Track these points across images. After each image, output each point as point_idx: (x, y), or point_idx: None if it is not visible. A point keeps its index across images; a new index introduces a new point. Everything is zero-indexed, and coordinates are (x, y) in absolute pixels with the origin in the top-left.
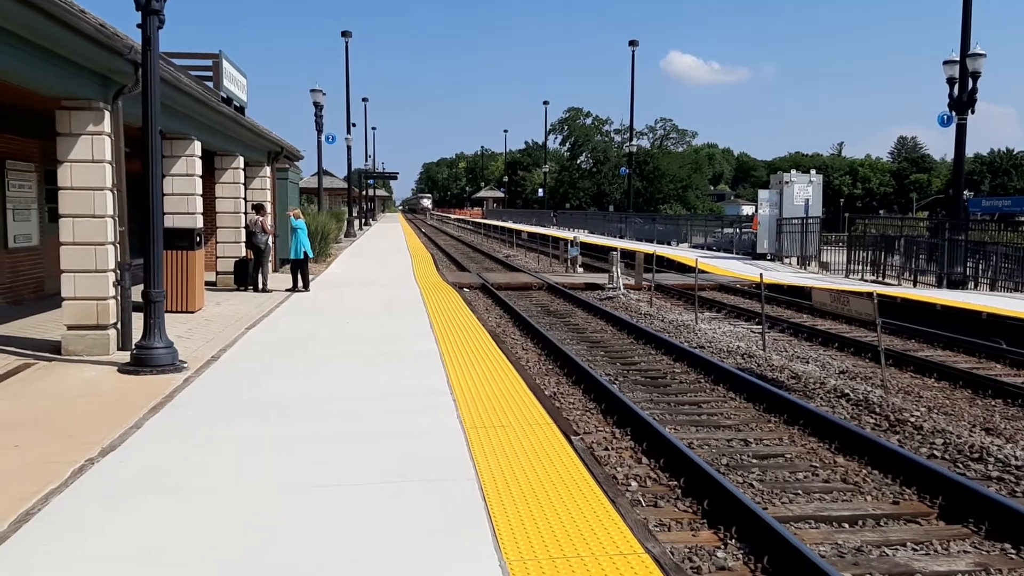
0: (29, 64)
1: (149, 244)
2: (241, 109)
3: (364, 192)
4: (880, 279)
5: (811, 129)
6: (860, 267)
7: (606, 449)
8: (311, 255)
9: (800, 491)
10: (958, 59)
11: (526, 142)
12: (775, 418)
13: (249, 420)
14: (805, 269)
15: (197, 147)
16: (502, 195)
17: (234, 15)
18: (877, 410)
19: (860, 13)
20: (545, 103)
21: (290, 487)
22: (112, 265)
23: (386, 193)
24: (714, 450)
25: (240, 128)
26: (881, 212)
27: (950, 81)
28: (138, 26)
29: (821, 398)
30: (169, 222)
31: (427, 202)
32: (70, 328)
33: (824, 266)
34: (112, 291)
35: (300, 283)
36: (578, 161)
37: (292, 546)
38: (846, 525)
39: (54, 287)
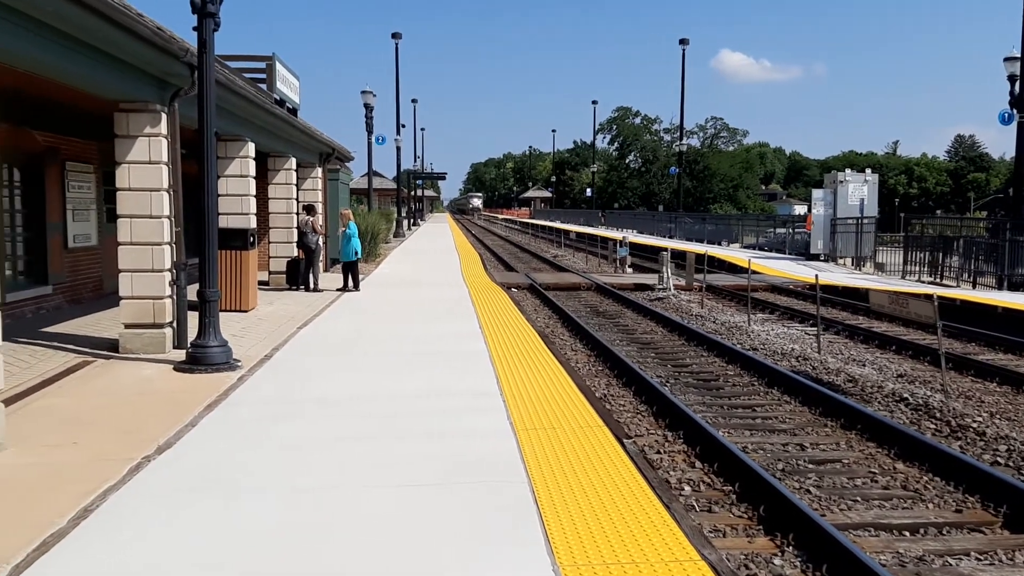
0: (90, 67)
1: (204, 244)
2: (294, 111)
3: (413, 193)
4: (938, 280)
5: (865, 127)
6: (917, 268)
7: (658, 452)
8: (360, 256)
9: (859, 498)
10: (1019, 55)
11: (574, 142)
12: (832, 422)
13: (300, 419)
14: (860, 270)
15: (251, 148)
16: (550, 195)
17: (287, 17)
18: (937, 415)
19: (916, 8)
20: (594, 103)
21: (340, 487)
22: (168, 265)
23: (434, 193)
24: (769, 455)
25: (292, 130)
26: (938, 212)
27: (1011, 78)
28: (194, 29)
29: (879, 402)
30: (223, 222)
31: (477, 201)
32: (127, 326)
33: (880, 267)
34: (168, 290)
35: (351, 283)
36: (627, 160)
37: (341, 548)
38: (907, 533)
39: (112, 286)
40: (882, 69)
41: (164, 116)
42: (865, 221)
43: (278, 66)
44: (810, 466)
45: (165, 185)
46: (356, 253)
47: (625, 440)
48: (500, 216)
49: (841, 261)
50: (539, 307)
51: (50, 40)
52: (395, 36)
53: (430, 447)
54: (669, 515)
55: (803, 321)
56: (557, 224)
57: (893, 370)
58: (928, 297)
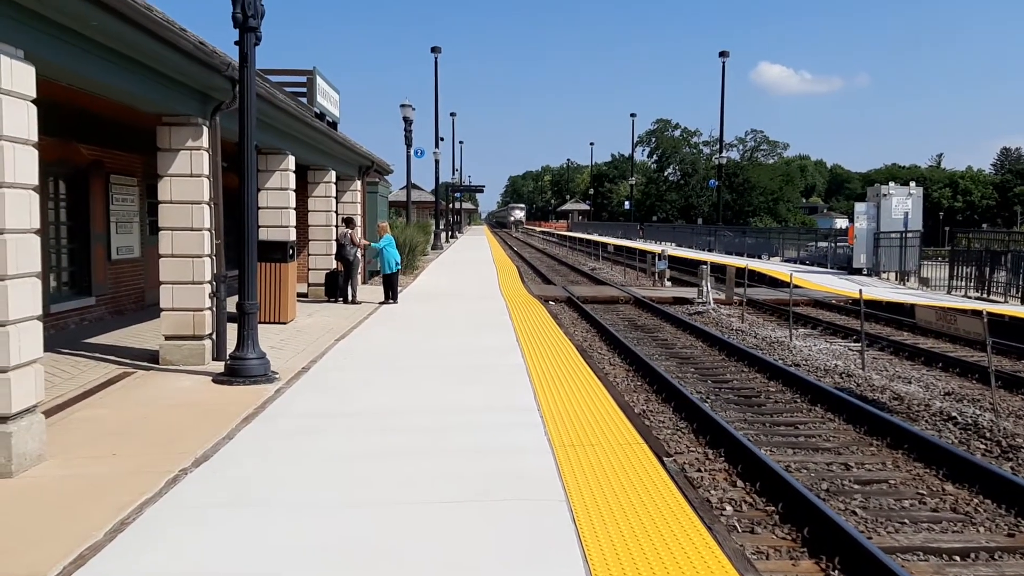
0: (133, 82)
1: (244, 257)
2: (334, 124)
3: (450, 205)
4: (985, 296)
5: (908, 140)
6: (963, 283)
7: (699, 471)
8: (399, 267)
9: (907, 520)
10: None
11: (612, 155)
12: (877, 441)
13: (337, 433)
14: (904, 285)
15: (291, 162)
16: (587, 208)
17: (329, 31)
18: (987, 435)
19: (960, 18)
20: (632, 115)
21: (375, 503)
22: (208, 277)
23: (471, 206)
24: (813, 474)
25: (332, 143)
26: (984, 226)
27: None
28: (235, 43)
29: (926, 421)
30: (263, 235)
31: (520, 213)
32: (167, 338)
33: (924, 282)
34: (208, 302)
35: (390, 295)
36: (665, 173)
37: (377, 567)
38: (957, 558)
39: (153, 297)
40: (926, 81)
41: (206, 130)
42: (909, 235)
43: (319, 80)
44: (855, 486)
45: (206, 198)
46: (397, 264)
47: (665, 458)
48: (538, 229)
49: (884, 275)
50: (577, 320)
51: (95, 55)
52: (434, 50)
53: (467, 463)
54: (711, 536)
55: (846, 337)
56: (595, 237)
57: (940, 388)
58: (977, 313)
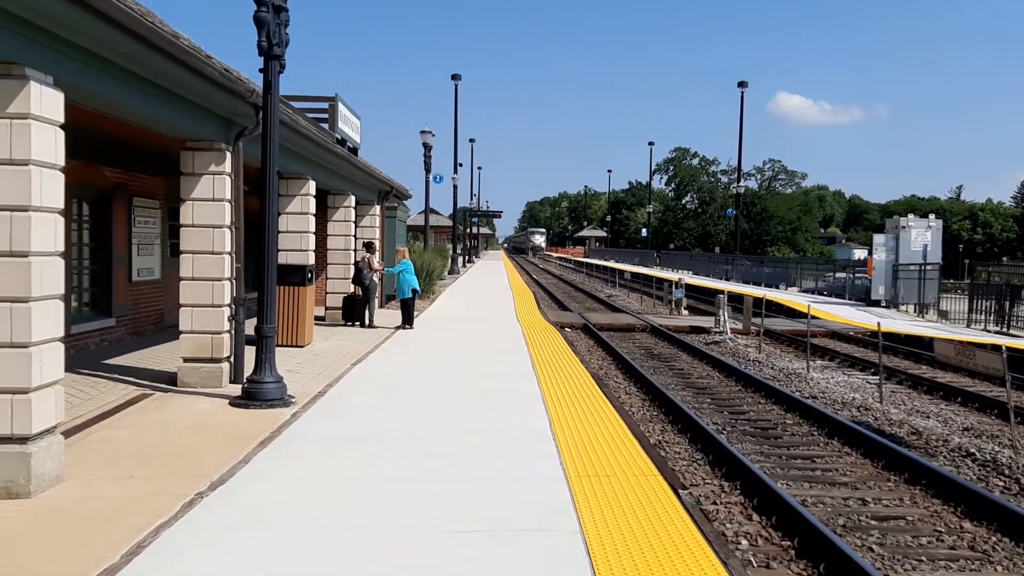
0: (159, 108)
1: (263, 281)
2: (354, 150)
3: (468, 230)
4: (1005, 330)
5: (927, 171)
6: (983, 317)
7: (714, 503)
8: (419, 291)
9: (924, 557)
10: None
11: (630, 182)
12: (895, 476)
13: (352, 458)
14: (923, 317)
15: (312, 186)
16: (604, 234)
17: (351, 59)
18: (1006, 472)
19: (980, 51)
20: (650, 144)
21: (389, 530)
22: (228, 300)
23: (488, 231)
24: (829, 509)
25: (353, 168)
26: (1004, 259)
27: None
28: (260, 71)
29: (944, 456)
30: (283, 258)
31: (539, 239)
32: (186, 360)
33: (943, 315)
34: (227, 325)
35: (406, 320)
36: (683, 201)
37: None
38: None
39: (173, 319)
40: (946, 113)
41: (228, 155)
42: (928, 267)
43: (340, 107)
44: (872, 522)
45: (227, 222)
46: (413, 290)
47: (681, 491)
48: (554, 254)
49: (903, 308)
50: (593, 348)
51: (123, 82)
52: (455, 77)
53: (481, 491)
54: (726, 571)
55: (864, 369)
56: (612, 263)
57: (959, 423)
58: (996, 348)
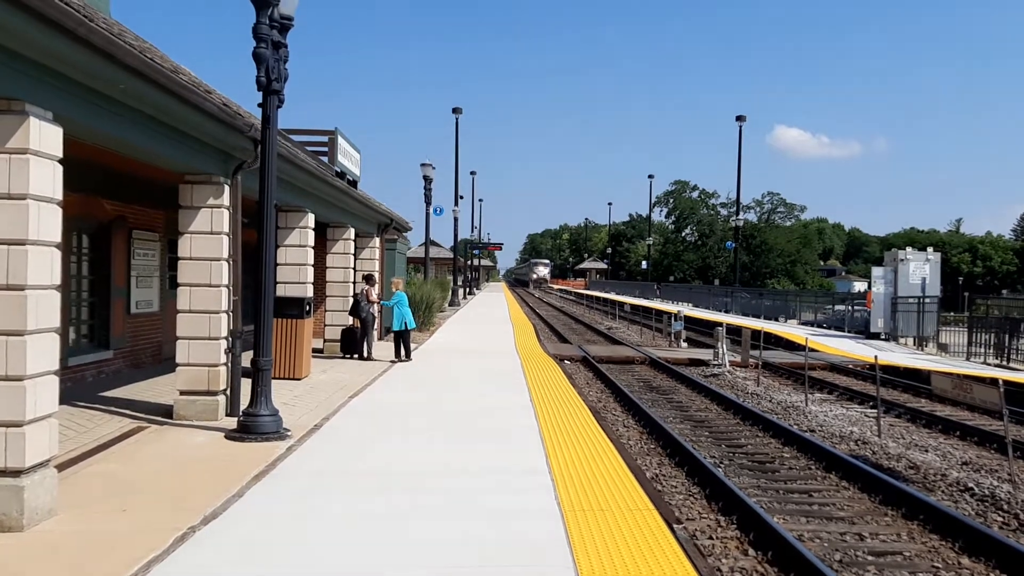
0: (158, 142)
1: (260, 314)
2: (354, 183)
3: (469, 262)
4: (1004, 363)
5: (926, 204)
6: (982, 350)
7: (710, 538)
8: (412, 326)
9: None
10: None
11: (630, 214)
12: (892, 511)
13: (347, 493)
14: (922, 350)
15: (311, 219)
16: (605, 266)
17: (351, 91)
18: (1005, 507)
19: (979, 84)
20: (650, 177)
21: (382, 566)
22: (225, 333)
23: (490, 263)
24: (826, 544)
25: (352, 201)
26: (1004, 292)
27: None
28: (259, 105)
29: (943, 491)
30: (281, 291)
31: (544, 270)
32: (182, 393)
33: (943, 348)
34: (224, 358)
35: (402, 352)
36: (683, 234)
37: None
38: None
39: (171, 351)
40: (945, 146)
41: (227, 188)
42: (927, 300)
43: (340, 140)
44: (870, 558)
45: (225, 255)
46: (405, 324)
47: (676, 525)
48: (556, 286)
49: (902, 340)
50: (591, 380)
51: (122, 117)
52: (456, 111)
53: (476, 526)
54: None
55: (863, 403)
56: (612, 295)
57: (957, 457)
58: (994, 381)
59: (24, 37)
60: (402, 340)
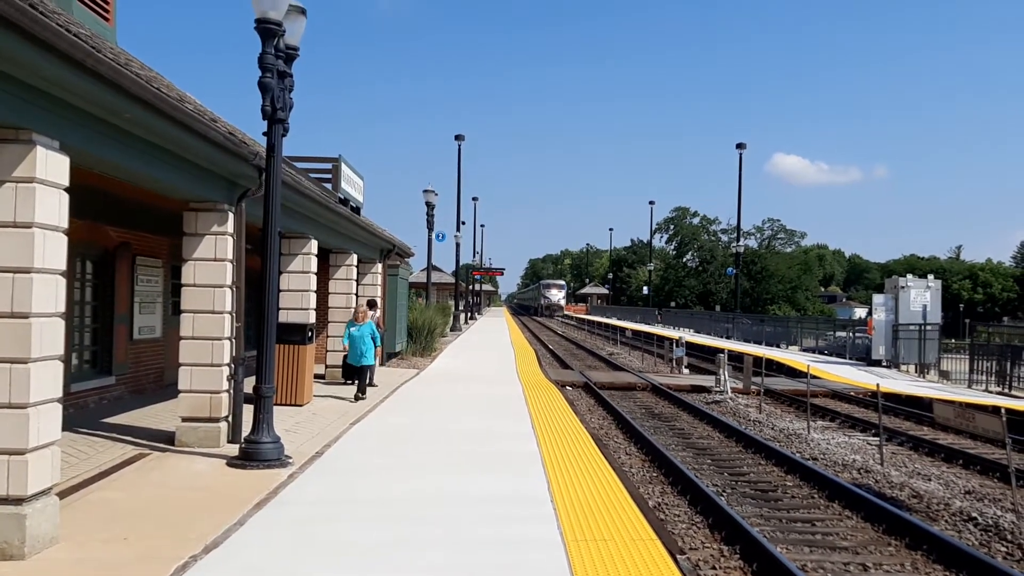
0: (164, 170)
1: (263, 341)
2: (357, 209)
3: (471, 287)
4: (1006, 391)
5: (927, 231)
6: (984, 377)
7: (713, 568)
8: (369, 362)
9: None
10: None
11: (631, 240)
12: (895, 541)
13: (348, 521)
14: (924, 377)
15: (314, 246)
16: (606, 292)
17: (355, 118)
18: (1009, 537)
19: (977, 112)
20: (651, 203)
21: None
22: (227, 359)
23: (491, 288)
24: (829, 574)
25: (355, 227)
26: (1005, 319)
27: None
28: (264, 134)
29: (946, 521)
30: (284, 316)
31: (557, 294)
32: (184, 420)
33: (944, 375)
34: (226, 385)
35: (360, 390)
36: (684, 260)
37: None
38: None
39: (173, 377)
40: (944, 172)
41: (231, 215)
42: (928, 327)
43: (343, 167)
44: None
45: (228, 282)
46: (365, 355)
47: (679, 555)
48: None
49: (904, 367)
50: (593, 407)
51: (128, 146)
52: (458, 138)
53: (478, 556)
54: None
55: (865, 430)
56: (613, 321)
57: (960, 486)
58: (996, 410)
59: (33, 68)
60: (358, 375)
